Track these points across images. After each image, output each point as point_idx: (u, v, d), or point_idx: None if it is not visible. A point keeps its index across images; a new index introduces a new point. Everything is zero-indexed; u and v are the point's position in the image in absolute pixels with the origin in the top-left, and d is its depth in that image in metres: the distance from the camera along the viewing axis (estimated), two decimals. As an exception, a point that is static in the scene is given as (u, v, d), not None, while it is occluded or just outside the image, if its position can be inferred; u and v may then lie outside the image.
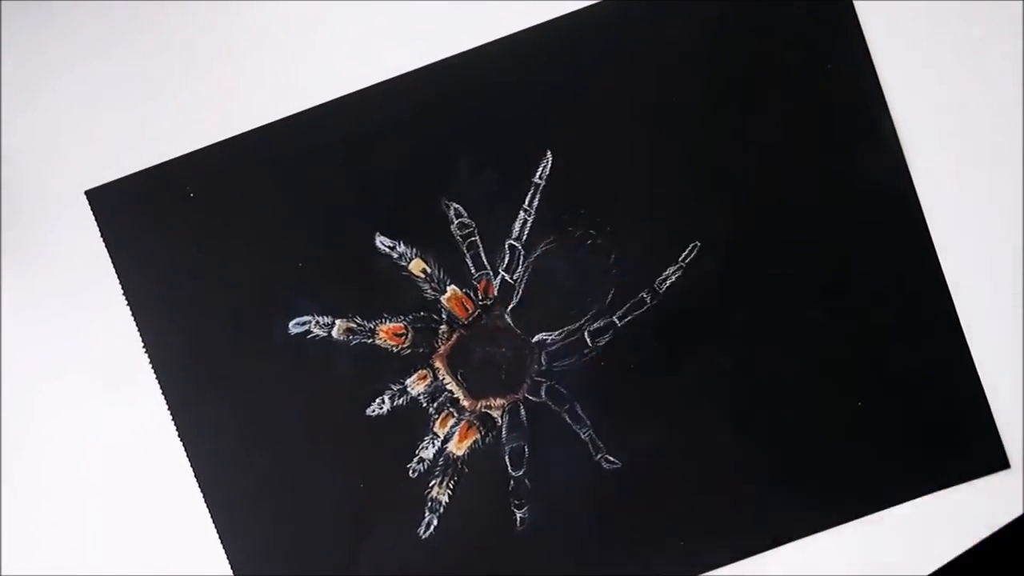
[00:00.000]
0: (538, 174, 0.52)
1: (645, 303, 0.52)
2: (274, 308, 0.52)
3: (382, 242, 0.52)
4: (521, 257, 0.52)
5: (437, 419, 0.52)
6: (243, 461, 0.52)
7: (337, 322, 0.52)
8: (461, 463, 0.52)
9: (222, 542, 0.52)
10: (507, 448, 0.52)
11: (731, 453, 0.51)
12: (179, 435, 0.52)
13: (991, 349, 0.52)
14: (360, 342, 0.52)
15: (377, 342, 0.52)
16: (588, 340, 0.52)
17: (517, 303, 0.52)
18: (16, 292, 0.53)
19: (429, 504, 0.52)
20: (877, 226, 0.52)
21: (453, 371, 0.52)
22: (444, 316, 0.52)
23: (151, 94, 0.53)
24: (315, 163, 0.52)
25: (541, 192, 0.52)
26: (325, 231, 0.52)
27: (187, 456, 0.52)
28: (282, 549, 0.52)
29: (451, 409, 0.52)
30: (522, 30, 0.52)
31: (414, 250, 0.52)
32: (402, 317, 0.52)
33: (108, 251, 0.52)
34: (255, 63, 0.52)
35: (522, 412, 0.52)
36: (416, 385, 0.52)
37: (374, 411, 0.52)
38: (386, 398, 0.52)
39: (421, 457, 0.52)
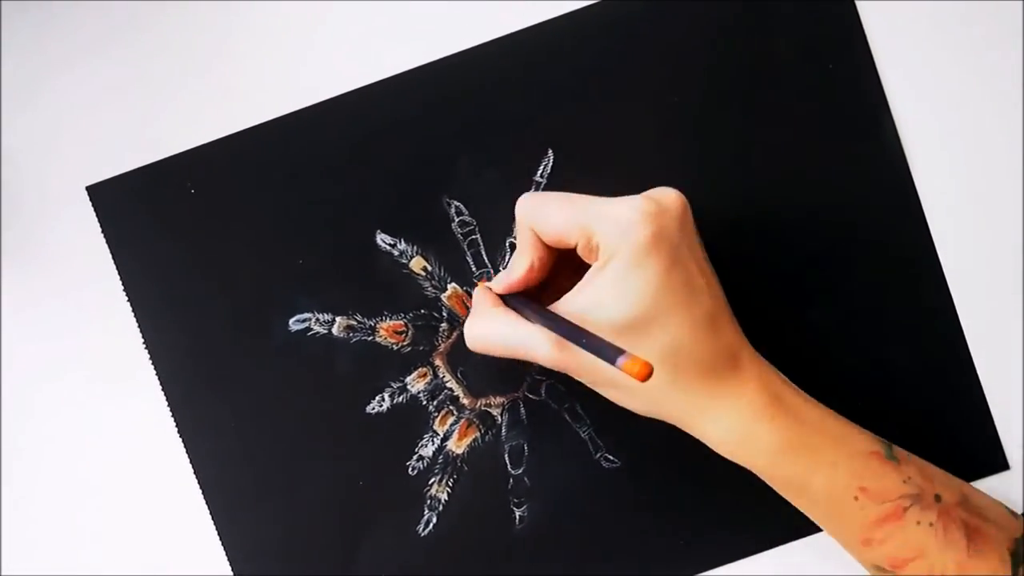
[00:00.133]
0: (539, 172, 0.52)
1: (645, 301, 0.51)
2: (274, 305, 0.52)
3: (383, 239, 0.52)
4: (522, 255, 0.52)
5: (437, 417, 0.52)
6: (242, 458, 0.52)
7: (337, 319, 0.52)
8: (461, 461, 0.52)
9: (221, 540, 0.52)
10: (507, 446, 0.52)
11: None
12: (179, 432, 0.52)
13: (991, 350, 0.52)
14: (360, 339, 0.52)
15: (377, 340, 0.52)
16: (589, 339, 0.52)
17: (517, 301, 0.52)
18: (16, 290, 0.53)
19: (428, 502, 0.52)
20: (878, 227, 0.52)
21: (453, 369, 0.52)
22: (445, 314, 0.52)
23: (151, 94, 0.53)
24: (316, 160, 0.52)
25: (542, 190, 0.52)
26: (326, 228, 0.52)
27: (187, 453, 0.52)
28: (281, 546, 0.52)
29: (451, 407, 0.52)
30: (523, 28, 0.52)
31: (415, 248, 0.52)
32: (402, 315, 0.52)
33: (108, 247, 0.52)
34: (255, 63, 0.53)
35: (522, 410, 0.52)
36: (416, 383, 0.52)
37: (374, 409, 0.52)
38: (386, 396, 0.52)
39: (421, 455, 0.52)
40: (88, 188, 0.52)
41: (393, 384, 0.52)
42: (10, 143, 0.53)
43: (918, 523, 0.43)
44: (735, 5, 0.52)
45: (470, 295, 0.52)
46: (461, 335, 0.52)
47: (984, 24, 0.52)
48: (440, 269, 0.52)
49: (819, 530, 0.51)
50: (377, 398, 0.52)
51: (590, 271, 0.43)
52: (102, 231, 0.52)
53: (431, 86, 0.52)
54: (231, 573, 0.52)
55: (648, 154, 0.52)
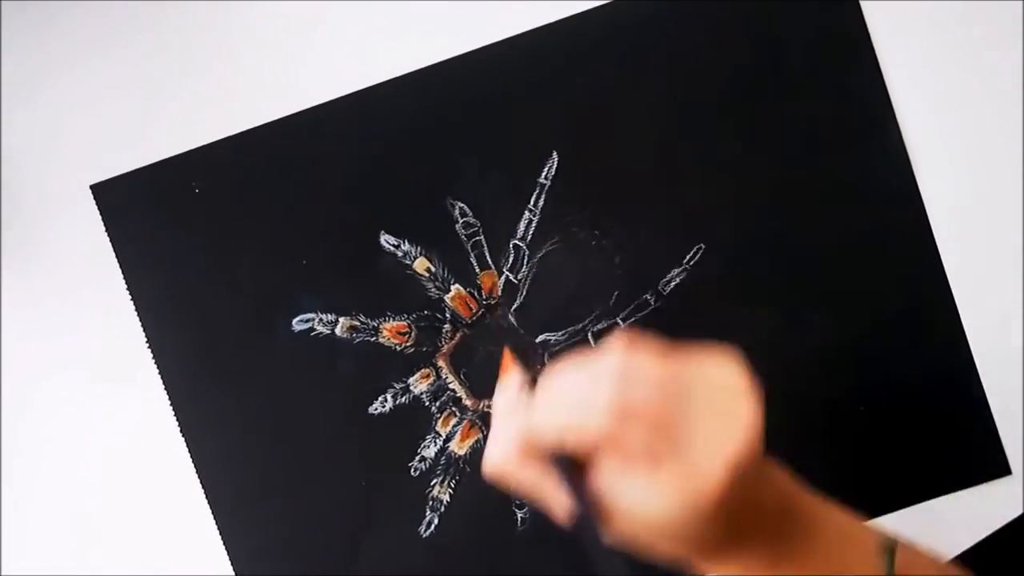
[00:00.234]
0: (544, 174, 0.52)
1: (649, 304, 0.52)
2: (278, 305, 0.52)
3: (387, 240, 0.52)
4: (525, 257, 0.52)
5: (439, 418, 0.52)
6: (245, 458, 0.52)
7: (341, 320, 0.52)
8: (463, 462, 0.52)
9: (223, 540, 0.52)
10: (510, 448, 0.52)
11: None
12: (182, 432, 0.52)
13: (993, 355, 0.52)
14: (363, 340, 0.52)
15: (380, 340, 0.52)
16: (592, 341, 0.52)
17: (521, 303, 0.52)
18: (16, 290, 0.53)
19: (430, 503, 0.52)
20: (881, 229, 0.52)
21: (456, 370, 0.52)
22: (448, 315, 0.52)
23: (151, 94, 0.52)
24: (321, 161, 0.52)
25: (547, 192, 0.52)
26: (330, 229, 0.52)
27: (189, 453, 0.52)
28: (283, 546, 0.52)
29: (453, 408, 0.52)
30: (529, 31, 0.52)
31: (418, 249, 0.52)
32: (406, 316, 0.52)
33: (112, 245, 0.52)
34: (255, 63, 0.52)
35: (525, 412, 0.52)
36: (419, 384, 0.52)
37: (376, 409, 0.52)
38: (389, 396, 0.52)
39: (423, 456, 0.52)
40: (92, 187, 0.52)
41: (396, 385, 0.52)
42: (10, 143, 0.52)
43: None
44: (741, 7, 0.52)
45: (473, 296, 0.52)
46: (464, 336, 0.52)
47: (987, 24, 0.52)
48: (444, 270, 0.52)
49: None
50: (380, 399, 0.52)
51: None
52: (106, 230, 0.52)
53: (437, 88, 0.52)
54: (233, 573, 0.52)
55: (652, 156, 0.52)
